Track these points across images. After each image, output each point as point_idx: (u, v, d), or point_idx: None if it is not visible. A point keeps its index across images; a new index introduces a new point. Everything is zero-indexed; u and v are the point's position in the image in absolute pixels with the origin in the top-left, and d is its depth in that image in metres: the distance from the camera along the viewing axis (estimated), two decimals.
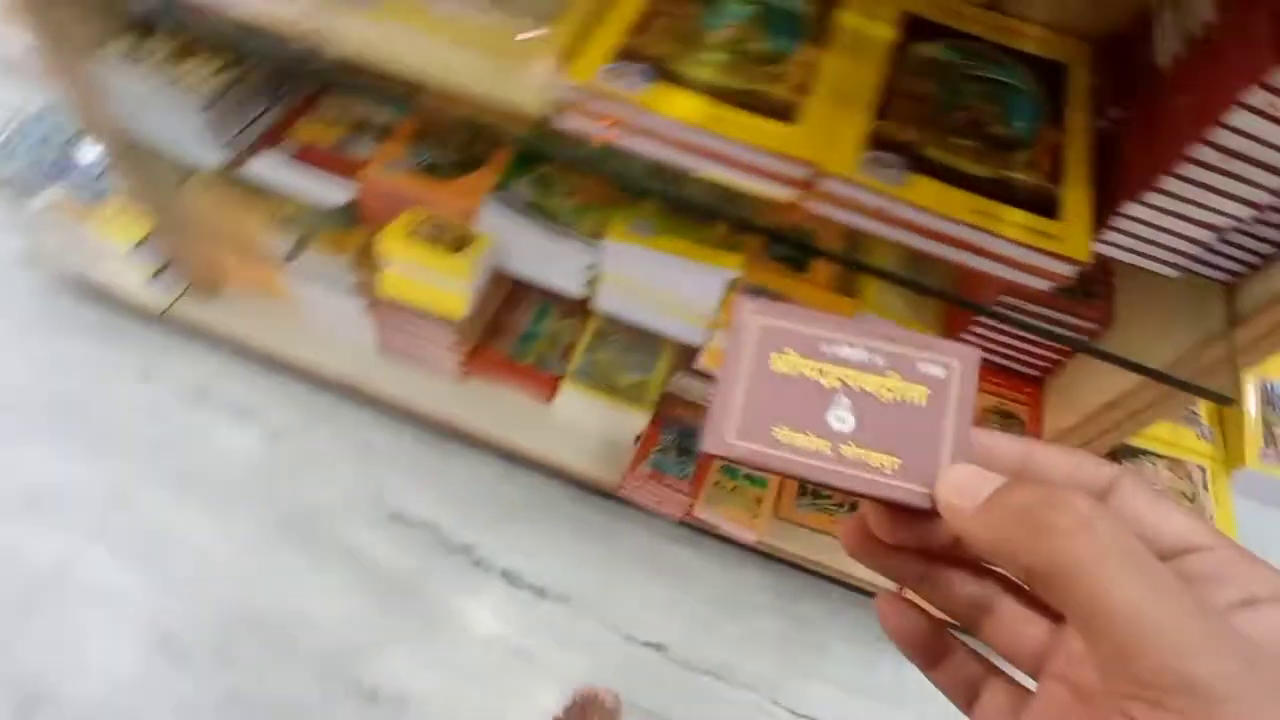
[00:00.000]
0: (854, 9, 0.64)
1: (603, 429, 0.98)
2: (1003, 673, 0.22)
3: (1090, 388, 0.69)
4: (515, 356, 1.01)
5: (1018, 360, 0.77)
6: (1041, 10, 0.66)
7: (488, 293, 0.85)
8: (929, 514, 0.21)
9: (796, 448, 0.22)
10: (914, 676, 0.27)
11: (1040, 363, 0.77)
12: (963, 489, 0.20)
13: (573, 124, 0.58)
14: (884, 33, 0.63)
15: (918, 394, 0.22)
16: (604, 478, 0.97)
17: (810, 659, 0.99)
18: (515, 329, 1.03)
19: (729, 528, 0.94)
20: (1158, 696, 0.16)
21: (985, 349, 0.76)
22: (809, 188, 0.56)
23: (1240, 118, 0.46)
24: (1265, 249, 0.55)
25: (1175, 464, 0.88)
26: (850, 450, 0.22)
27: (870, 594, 1.01)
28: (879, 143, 0.56)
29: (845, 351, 0.23)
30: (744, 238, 0.73)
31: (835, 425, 0.22)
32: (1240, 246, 0.56)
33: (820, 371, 0.23)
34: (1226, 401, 0.56)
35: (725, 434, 0.22)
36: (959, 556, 0.23)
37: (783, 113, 0.57)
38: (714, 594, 1.01)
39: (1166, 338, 0.58)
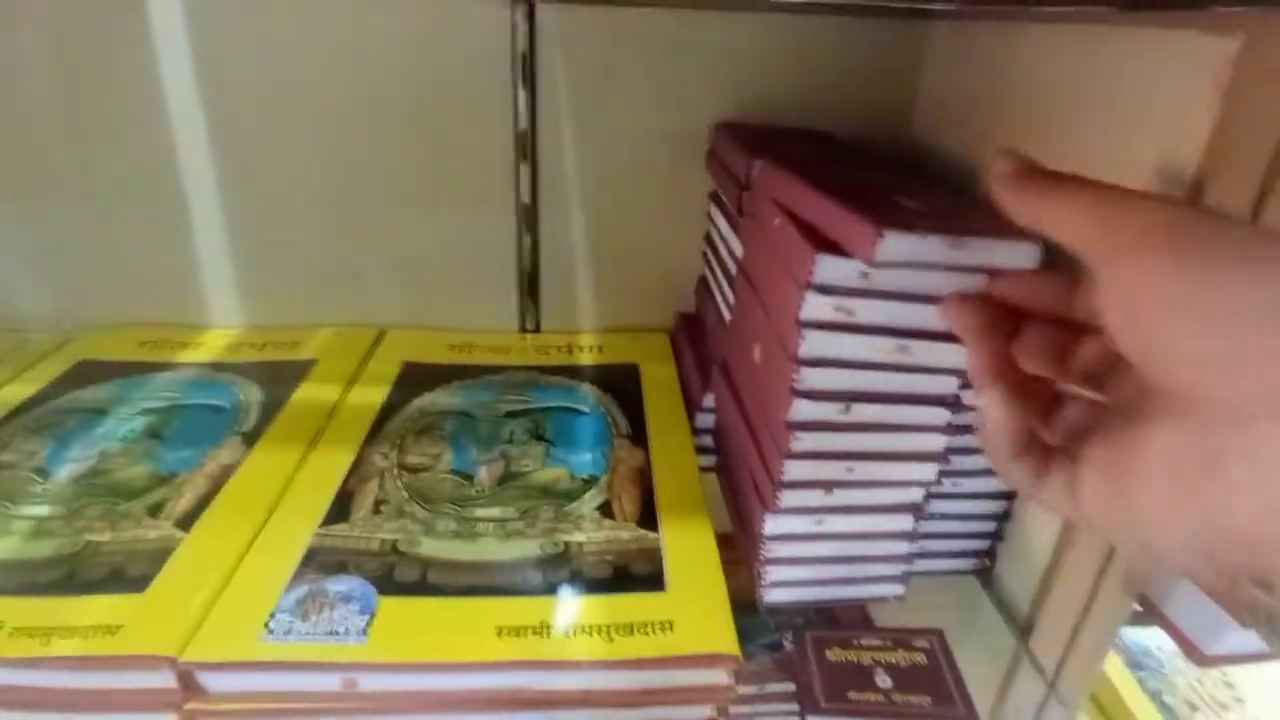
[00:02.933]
0: None
1: None
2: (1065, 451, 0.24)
3: None
4: None
5: None
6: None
7: None
8: None
9: (865, 700, 0.35)
10: None
11: None
12: None
13: None
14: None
15: (918, 658, 0.37)
16: None
17: None
18: None
19: None
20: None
21: None
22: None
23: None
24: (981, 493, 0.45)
25: None
26: (898, 696, 0.35)
27: None
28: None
29: (865, 640, 0.38)
30: None
31: (881, 684, 0.36)
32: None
33: (857, 656, 0.37)
34: None
35: (819, 703, 0.35)
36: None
37: None
38: None
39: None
